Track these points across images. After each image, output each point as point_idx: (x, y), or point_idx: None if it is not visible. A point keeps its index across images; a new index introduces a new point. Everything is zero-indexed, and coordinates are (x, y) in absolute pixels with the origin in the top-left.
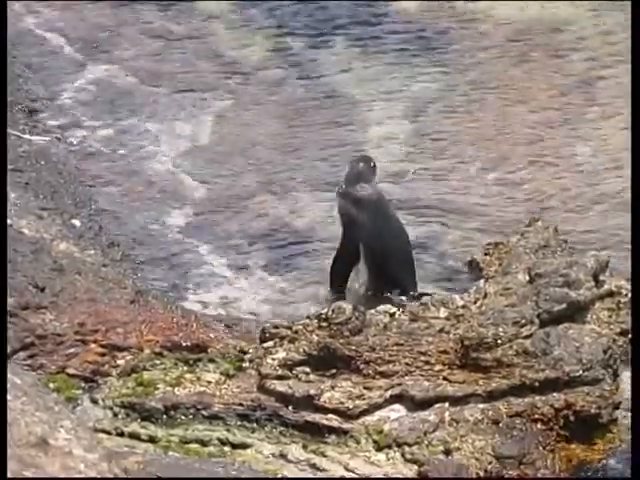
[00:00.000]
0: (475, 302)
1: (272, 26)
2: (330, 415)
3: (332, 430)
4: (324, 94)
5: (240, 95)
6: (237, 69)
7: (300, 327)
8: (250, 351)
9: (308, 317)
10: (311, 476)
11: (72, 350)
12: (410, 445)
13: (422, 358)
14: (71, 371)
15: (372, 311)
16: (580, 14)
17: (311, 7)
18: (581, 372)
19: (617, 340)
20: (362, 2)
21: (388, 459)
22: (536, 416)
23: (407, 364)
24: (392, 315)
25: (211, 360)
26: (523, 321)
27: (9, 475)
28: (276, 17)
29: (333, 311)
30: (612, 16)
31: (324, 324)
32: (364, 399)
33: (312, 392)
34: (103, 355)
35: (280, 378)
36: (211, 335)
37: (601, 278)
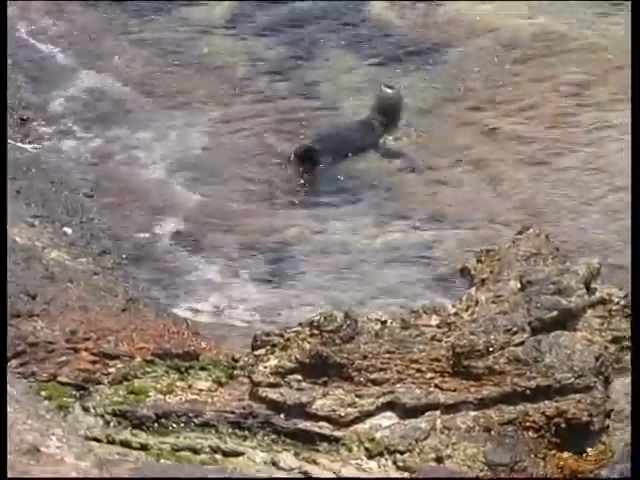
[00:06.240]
0: (466, 310)
1: (264, 37)
2: (322, 423)
3: (324, 438)
4: (317, 104)
5: (232, 105)
6: (229, 79)
7: (292, 335)
8: (242, 359)
9: (300, 325)
10: None
11: (63, 358)
12: (402, 453)
13: (414, 366)
14: (62, 379)
15: (364, 319)
16: (575, 24)
17: (302, 18)
18: (572, 380)
19: (609, 348)
20: (354, 13)
21: (380, 467)
22: (528, 424)
23: (399, 372)
24: (384, 323)
25: (203, 368)
26: (514, 329)
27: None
28: (269, 28)
29: (325, 319)
30: (607, 26)
31: (316, 332)
32: (356, 407)
33: (304, 400)
34: (94, 363)
35: (272, 386)
36: (203, 343)
37: (593, 286)
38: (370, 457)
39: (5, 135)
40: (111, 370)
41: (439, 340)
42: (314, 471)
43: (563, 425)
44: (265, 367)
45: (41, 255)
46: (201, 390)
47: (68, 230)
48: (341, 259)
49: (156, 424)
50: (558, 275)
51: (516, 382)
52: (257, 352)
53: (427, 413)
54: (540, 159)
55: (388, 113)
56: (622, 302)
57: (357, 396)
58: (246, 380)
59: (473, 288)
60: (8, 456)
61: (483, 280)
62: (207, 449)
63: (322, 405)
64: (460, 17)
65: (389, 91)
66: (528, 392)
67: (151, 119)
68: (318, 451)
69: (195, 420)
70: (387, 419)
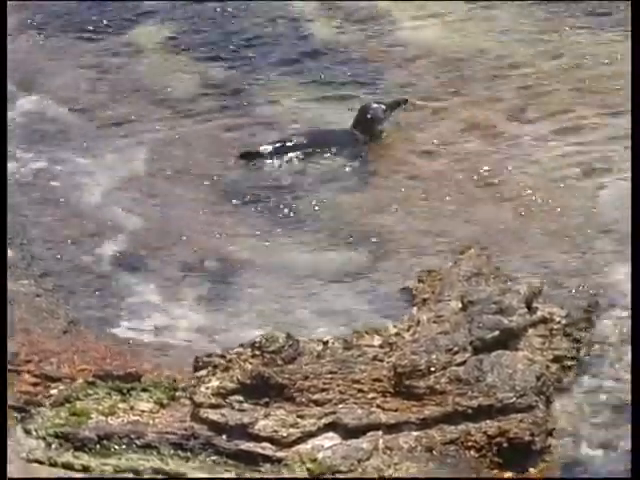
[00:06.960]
0: (408, 330)
1: (208, 58)
2: (264, 443)
3: (266, 458)
4: (261, 124)
5: (174, 127)
6: (170, 101)
7: (234, 356)
8: (183, 380)
9: (241, 345)
10: None
11: None
12: (344, 473)
13: (355, 386)
14: None
15: (305, 339)
16: (514, 42)
17: (242, 40)
18: (514, 399)
19: (550, 367)
20: (298, 35)
21: None
22: (469, 443)
23: (341, 392)
24: (325, 343)
25: (144, 389)
26: (456, 348)
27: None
28: (212, 50)
29: (266, 339)
30: (549, 43)
31: (257, 352)
32: (298, 427)
33: (246, 421)
34: (36, 385)
35: (214, 407)
36: (144, 364)
37: (534, 305)
38: (312, 477)
39: (5, 149)
40: (53, 392)
41: (381, 360)
42: None
43: (505, 444)
44: (207, 388)
45: None
46: (143, 411)
47: (9, 252)
48: (283, 279)
49: (98, 446)
50: (499, 295)
51: (458, 402)
52: (199, 373)
53: (369, 433)
54: (483, 180)
55: (370, 127)
56: (563, 321)
57: (299, 417)
58: (188, 401)
59: (415, 308)
60: None
61: (425, 300)
62: (149, 470)
63: (264, 426)
64: (404, 39)
65: (375, 105)
66: (470, 412)
67: (92, 141)
68: (260, 472)
69: (137, 442)
70: (329, 439)
